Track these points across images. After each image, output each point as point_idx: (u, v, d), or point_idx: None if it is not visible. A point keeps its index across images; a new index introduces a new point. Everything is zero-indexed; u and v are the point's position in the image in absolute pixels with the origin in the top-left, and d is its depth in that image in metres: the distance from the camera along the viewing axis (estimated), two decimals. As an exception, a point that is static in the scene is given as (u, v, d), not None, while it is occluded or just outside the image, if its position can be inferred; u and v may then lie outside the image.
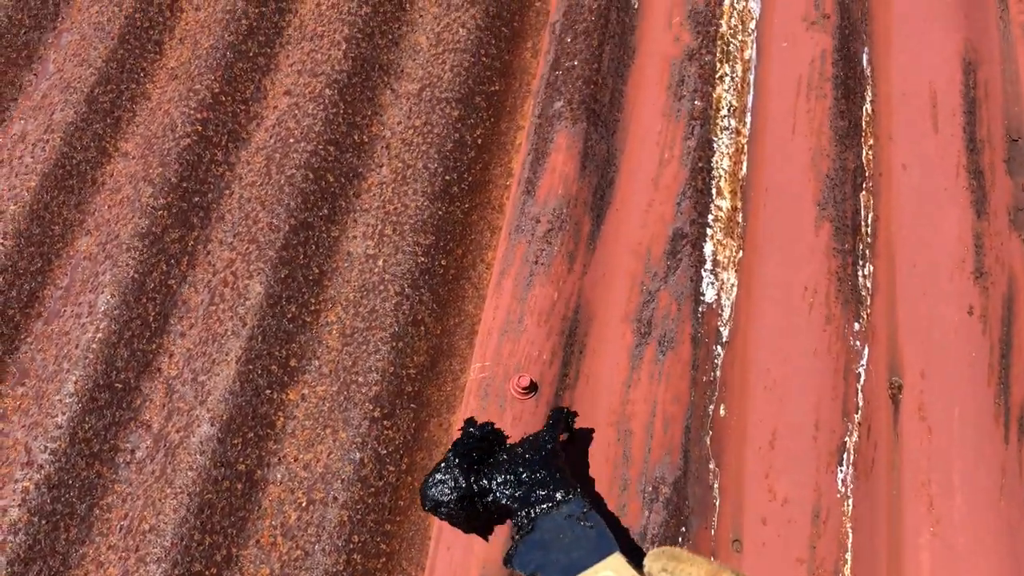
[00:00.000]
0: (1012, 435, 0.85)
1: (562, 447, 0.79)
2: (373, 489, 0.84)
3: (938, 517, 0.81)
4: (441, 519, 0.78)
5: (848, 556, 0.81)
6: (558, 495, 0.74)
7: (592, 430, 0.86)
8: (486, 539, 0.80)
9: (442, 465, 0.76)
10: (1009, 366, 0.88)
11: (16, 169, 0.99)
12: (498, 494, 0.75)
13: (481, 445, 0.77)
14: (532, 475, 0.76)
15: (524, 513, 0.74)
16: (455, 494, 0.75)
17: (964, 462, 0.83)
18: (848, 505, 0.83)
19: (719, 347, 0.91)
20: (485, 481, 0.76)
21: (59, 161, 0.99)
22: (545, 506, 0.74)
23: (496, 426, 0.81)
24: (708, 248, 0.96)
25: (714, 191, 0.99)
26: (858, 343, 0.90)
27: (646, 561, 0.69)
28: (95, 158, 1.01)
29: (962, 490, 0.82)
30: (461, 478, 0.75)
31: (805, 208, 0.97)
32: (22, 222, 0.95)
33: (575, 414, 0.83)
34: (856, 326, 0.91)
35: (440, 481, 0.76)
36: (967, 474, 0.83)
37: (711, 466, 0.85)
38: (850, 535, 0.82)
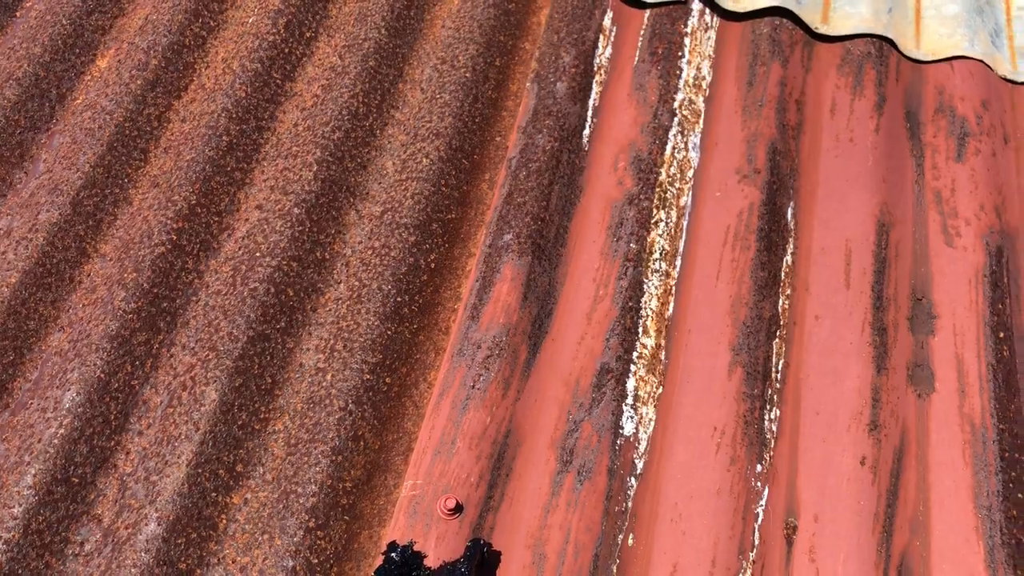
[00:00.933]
0: (890, 581, 0.93)
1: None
2: (302, 596, 0.91)
3: (817, 655, 0.88)
4: None
5: None
6: None
7: (500, 554, 0.93)
8: None
9: None
10: (894, 515, 0.97)
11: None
12: None
13: (402, 571, 0.84)
14: None
15: None
16: None
17: (845, 605, 0.91)
18: (736, 639, 0.90)
19: (633, 479, 0.99)
20: None
21: (40, 260, 1.07)
22: None
23: (416, 547, 0.88)
24: (631, 383, 1.04)
25: (641, 330, 1.08)
26: (759, 484, 0.98)
27: None
28: (74, 258, 1.09)
29: (841, 631, 0.90)
30: None
31: (721, 352, 1.06)
32: (-1, 317, 1.02)
33: (490, 545, 0.90)
34: (759, 467, 0.99)
35: None
36: (847, 616, 0.91)
37: (616, 593, 0.93)
38: (735, 668, 0.89)
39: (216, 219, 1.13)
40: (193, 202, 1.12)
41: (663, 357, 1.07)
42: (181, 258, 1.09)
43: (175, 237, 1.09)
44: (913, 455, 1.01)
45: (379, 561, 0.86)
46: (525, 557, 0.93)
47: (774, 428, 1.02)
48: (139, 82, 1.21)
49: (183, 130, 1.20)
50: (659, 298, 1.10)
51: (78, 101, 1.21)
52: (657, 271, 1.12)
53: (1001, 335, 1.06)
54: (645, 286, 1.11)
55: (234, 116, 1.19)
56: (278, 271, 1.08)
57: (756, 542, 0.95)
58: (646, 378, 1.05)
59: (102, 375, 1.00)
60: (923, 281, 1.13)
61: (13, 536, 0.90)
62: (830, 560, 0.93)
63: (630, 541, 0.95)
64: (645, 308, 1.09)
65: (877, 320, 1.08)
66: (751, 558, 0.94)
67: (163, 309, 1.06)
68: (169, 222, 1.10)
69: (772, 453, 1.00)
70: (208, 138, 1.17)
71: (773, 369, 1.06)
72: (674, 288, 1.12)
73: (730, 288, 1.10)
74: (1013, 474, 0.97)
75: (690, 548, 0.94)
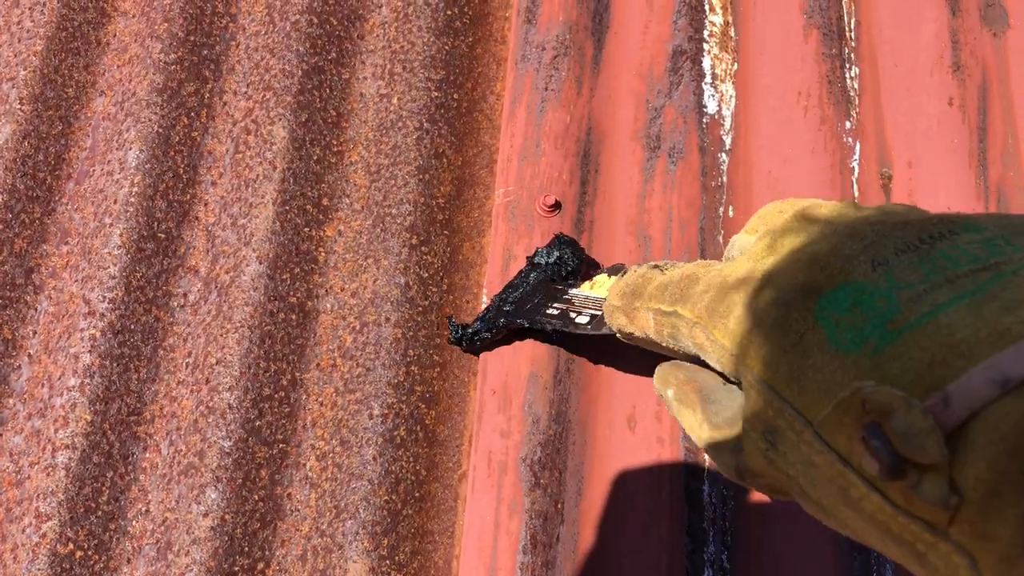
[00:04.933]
0: (991, 209, 0.94)
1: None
2: (421, 308, 0.91)
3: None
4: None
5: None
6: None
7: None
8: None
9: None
10: (986, 149, 0.96)
11: (17, 34, 0.98)
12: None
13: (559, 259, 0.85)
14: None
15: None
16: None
17: (950, 237, 0.92)
18: (850, 284, 0.92)
19: (723, 155, 0.97)
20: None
21: (60, 24, 0.99)
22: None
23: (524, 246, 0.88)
24: (707, 62, 1.01)
25: (707, 7, 1.03)
26: (850, 139, 0.97)
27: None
28: (95, 19, 1.01)
29: (949, 262, 0.92)
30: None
31: (793, 17, 1.02)
32: (36, 86, 0.96)
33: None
34: (848, 124, 0.98)
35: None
36: (953, 248, 0.92)
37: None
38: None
39: (235, -43, 1.04)
40: (207, -59, 1.03)
41: (733, 34, 1.03)
42: (210, 2, 1.02)
43: (198, -19, 1.01)
44: (996, 92, 0.99)
45: (515, 269, 0.86)
46: (629, 242, 0.93)
47: (856, 86, 1.00)
48: None
49: None
50: (720, -27, 1.05)
51: None
52: (713, -55, 1.06)
53: (1076, -42, 1.02)
54: (704, -38, 1.05)
55: None
56: (315, 0, 1.01)
57: (856, 194, 0.95)
58: (720, 56, 1.02)
59: (160, 129, 0.95)
60: (985, -79, 1.07)
61: (117, 295, 0.88)
62: (931, 201, 0.93)
63: (731, 213, 0.95)
64: (707, -15, 1.04)
65: (945, -36, 1.03)
66: (853, 209, 0.94)
67: (204, 57, 1.00)
68: (187, -35, 1.01)
69: (858, 110, 0.99)
70: None
71: (847, 28, 1.03)
72: (733, -38, 1.06)
73: (792, -48, 1.04)
74: (1102, 90, 0.96)
75: (792, 209, 0.93)
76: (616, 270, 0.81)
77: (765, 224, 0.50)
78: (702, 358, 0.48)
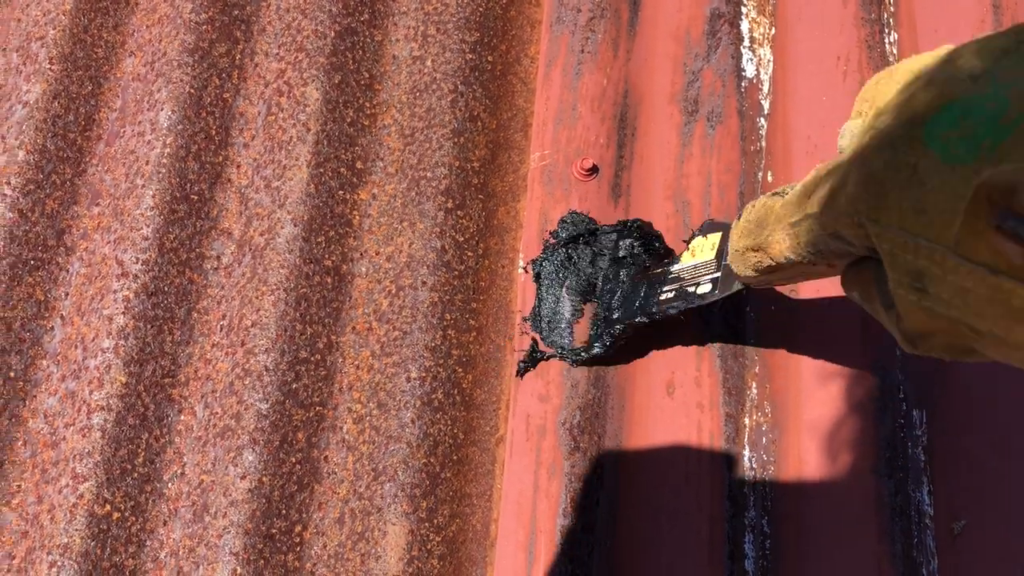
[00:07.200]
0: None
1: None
2: (457, 272, 0.90)
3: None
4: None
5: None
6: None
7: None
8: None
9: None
10: (1028, 116, 0.95)
11: (45, -7, 0.97)
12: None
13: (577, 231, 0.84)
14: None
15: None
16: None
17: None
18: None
19: (762, 119, 0.96)
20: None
21: (89, -18, 0.97)
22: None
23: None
24: (744, 26, 0.99)
25: (745, -29, 1.02)
26: (891, 105, 0.96)
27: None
28: (123, -22, 0.99)
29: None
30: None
31: (833, -19, 1.00)
32: (65, 46, 0.94)
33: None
34: (888, 90, 0.96)
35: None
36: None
37: (764, 227, 0.92)
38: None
39: (265, -83, 1.02)
40: (237, -100, 1.01)
41: (770, -3, 1.02)
42: (239, -38, 1.00)
43: (227, -60, 0.99)
44: (1038, 58, 0.98)
45: (531, 236, 0.85)
46: (667, 207, 0.92)
47: (895, 51, 0.98)
48: None
49: None
50: (757, -64, 1.03)
51: None
52: (751, -93, 1.04)
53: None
54: (741, -76, 1.03)
55: None
56: (349, -39, 1.00)
57: (896, 160, 0.94)
58: (758, 20, 1.00)
59: (192, 90, 0.94)
60: None
61: (150, 256, 0.87)
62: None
63: (769, 177, 0.94)
64: (745, -52, 1.02)
65: (986, -72, 1.02)
66: (894, 174, 0.93)
67: (235, 17, 0.98)
68: (217, -76, 0.99)
69: (897, 75, 0.97)
70: None
71: (886, -7, 1.01)
72: (770, -76, 1.04)
73: (831, -86, 1.02)
74: None
75: (831, 175, 0.92)
76: (706, 229, 0.78)
77: (867, 101, 0.50)
78: (844, 248, 0.48)
